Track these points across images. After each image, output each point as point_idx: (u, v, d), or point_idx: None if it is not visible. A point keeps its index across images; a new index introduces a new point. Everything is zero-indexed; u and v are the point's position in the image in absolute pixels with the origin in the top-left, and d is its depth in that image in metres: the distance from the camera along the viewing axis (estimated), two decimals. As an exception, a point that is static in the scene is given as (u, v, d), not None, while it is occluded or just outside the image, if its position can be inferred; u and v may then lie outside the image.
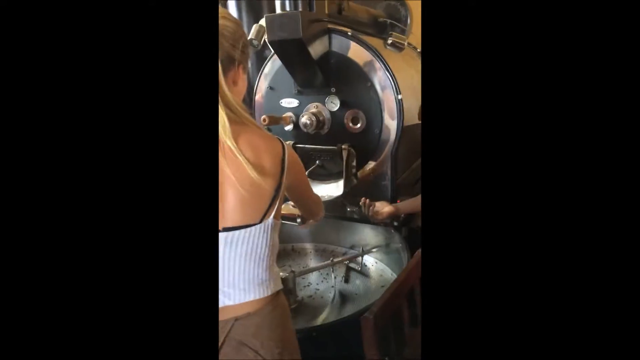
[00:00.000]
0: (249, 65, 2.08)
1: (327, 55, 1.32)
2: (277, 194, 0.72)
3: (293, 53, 1.21)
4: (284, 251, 1.69)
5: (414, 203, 1.30)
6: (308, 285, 1.44)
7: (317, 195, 0.97)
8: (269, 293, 0.75)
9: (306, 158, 1.40)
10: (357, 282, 1.42)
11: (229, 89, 0.67)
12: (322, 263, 1.43)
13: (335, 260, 1.40)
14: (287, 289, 1.28)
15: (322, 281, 1.46)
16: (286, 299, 1.29)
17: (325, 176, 1.43)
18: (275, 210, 0.72)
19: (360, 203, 1.35)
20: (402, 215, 1.39)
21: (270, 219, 0.72)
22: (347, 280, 1.36)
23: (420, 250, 1.06)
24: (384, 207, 1.30)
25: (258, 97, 1.51)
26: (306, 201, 0.91)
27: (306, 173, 1.37)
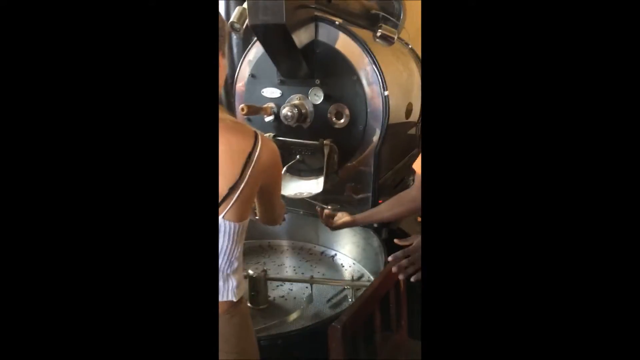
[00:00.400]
0: (234, 49, 1.97)
1: (313, 44, 1.25)
2: (231, 194, 0.64)
3: (276, 39, 1.14)
4: (260, 247, 1.63)
5: (373, 215, 1.20)
6: (281, 285, 1.39)
7: (282, 203, 0.91)
8: (222, 299, 0.69)
9: (286, 152, 1.34)
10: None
11: None
12: (300, 277, 1.32)
13: (316, 278, 1.30)
14: (257, 288, 1.22)
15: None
16: (255, 300, 1.24)
17: (306, 172, 1.37)
18: (226, 210, 0.65)
19: (317, 208, 1.26)
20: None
21: (219, 219, 0.65)
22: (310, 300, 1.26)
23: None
24: (341, 217, 1.21)
25: (240, 85, 1.44)
26: (270, 207, 0.84)
27: (285, 169, 1.31)
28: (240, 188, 0.65)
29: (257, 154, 0.66)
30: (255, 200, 0.80)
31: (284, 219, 1.06)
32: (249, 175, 0.65)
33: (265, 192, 0.75)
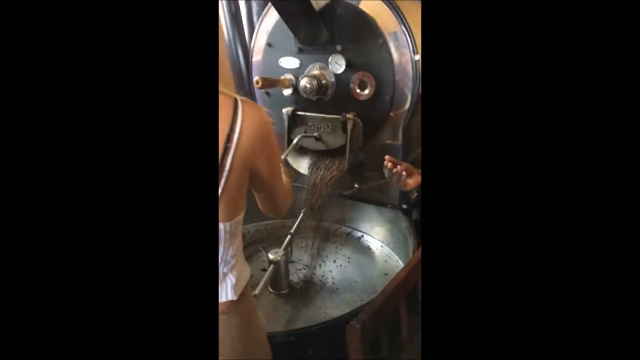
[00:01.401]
0: (254, 17, 1.84)
1: (333, 4, 1.11)
2: None
3: (291, 1, 1.01)
4: (284, 227, 1.57)
5: None
6: (304, 269, 1.33)
7: (284, 187, 0.72)
8: (220, 300, 0.62)
9: (306, 128, 1.23)
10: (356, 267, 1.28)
11: None
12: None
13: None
14: (278, 273, 1.16)
15: (320, 265, 1.34)
16: (276, 285, 1.18)
17: (319, 153, 1.25)
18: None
19: (387, 164, 1.01)
20: (414, 196, 1.21)
21: None
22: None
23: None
24: (410, 176, 1.01)
25: (257, 57, 1.33)
26: (269, 193, 0.68)
27: (299, 141, 1.20)
28: (222, 183, 0.54)
29: (236, 134, 0.52)
30: (253, 190, 0.67)
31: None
32: (231, 164, 0.53)
33: (257, 176, 0.60)
